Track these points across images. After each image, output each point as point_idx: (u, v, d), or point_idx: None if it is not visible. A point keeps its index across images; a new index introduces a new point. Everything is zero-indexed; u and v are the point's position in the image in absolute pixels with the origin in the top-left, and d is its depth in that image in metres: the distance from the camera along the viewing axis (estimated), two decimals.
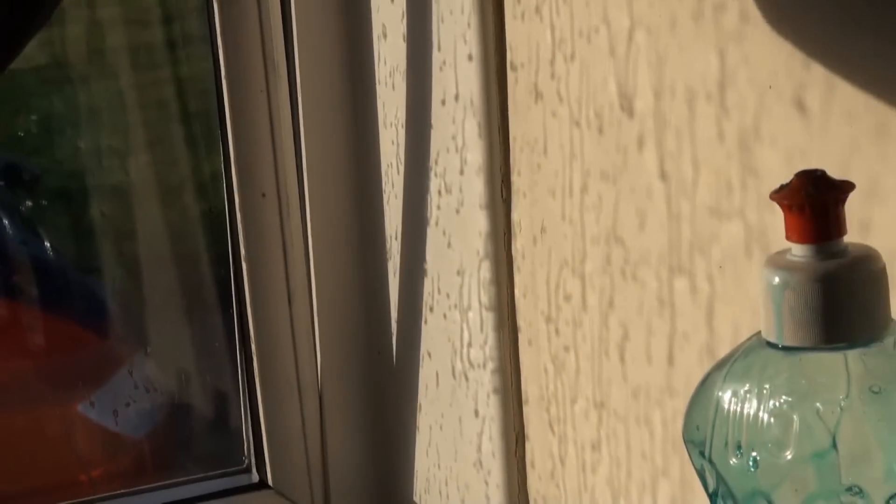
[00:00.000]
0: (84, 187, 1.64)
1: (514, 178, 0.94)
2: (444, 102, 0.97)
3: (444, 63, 0.97)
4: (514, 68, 0.93)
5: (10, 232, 1.65)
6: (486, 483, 0.97)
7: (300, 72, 1.07)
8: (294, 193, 1.08)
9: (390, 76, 1.04)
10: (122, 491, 1.22)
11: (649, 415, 0.86)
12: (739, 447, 0.64)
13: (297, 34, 1.08)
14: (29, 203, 1.68)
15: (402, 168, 1.03)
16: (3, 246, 1.65)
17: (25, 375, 1.66)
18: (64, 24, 1.58)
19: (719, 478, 0.65)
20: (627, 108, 0.84)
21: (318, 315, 1.09)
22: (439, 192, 0.98)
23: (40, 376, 1.67)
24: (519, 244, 0.94)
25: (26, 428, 1.66)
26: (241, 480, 1.12)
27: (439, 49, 0.98)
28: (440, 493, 1.02)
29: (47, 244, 1.65)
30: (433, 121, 0.98)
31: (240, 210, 1.09)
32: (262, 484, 1.10)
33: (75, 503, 1.24)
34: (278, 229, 1.08)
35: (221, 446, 1.19)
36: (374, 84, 1.05)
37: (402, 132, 1.02)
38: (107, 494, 1.23)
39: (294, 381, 1.09)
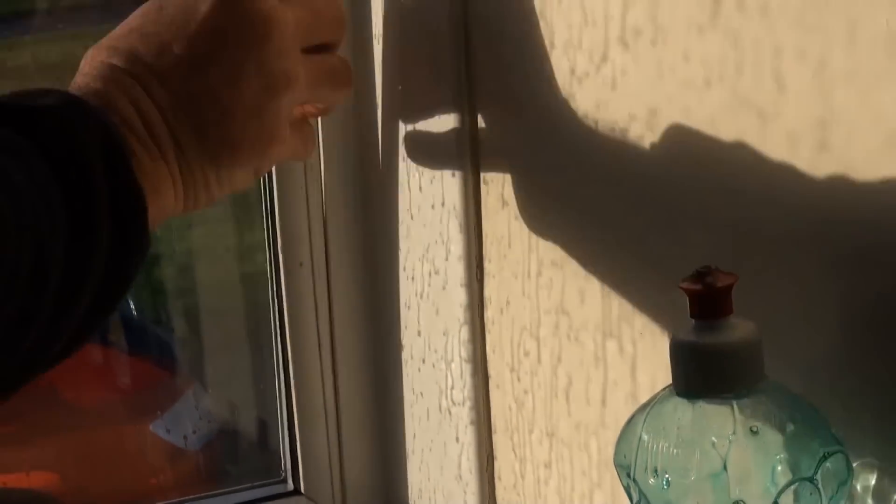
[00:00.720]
0: (157, 255, 1.64)
1: (486, 264, 0.94)
2: (433, 207, 0.97)
3: (434, 177, 0.97)
4: (485, 183, 0.93)
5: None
6: (465, 493, 0.98)
7: (325, 180, 1.06)
8: (322, 266, 1.06)
9: (407, 213, 1.03)
10: (184, 498, 1.19)
11: (588, 442, 0.86)
12: (656, 471, 0.66)
13: (324, 156, 1.07)
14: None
15: (405, 257, 1.03)
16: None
17: (113, 402, 1.66)
18: None
19: (641, 493, 0.67)
20: None
21: (340, 362, 1.08)
22: (430, 274, 0.98)
23: (123, 403, 1.67)
24: (490, 313, 0.94)
25: (112, 442, 1.65)
26: (279, 489, 1.10)
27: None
28: (430, 499, 1.02)
29: (131, 303, 1.65)
30: (425, 221, 0.98)
31: (283, 276, 1.07)
32: (297, 491, 1.08)
33: None
34: (311, 293, 1.07)
35: (264, 462, 1.18)
36: None
37: (403, 228, 1.01)
38: (170, 502, 1.20)
39: (322, 412, 1.07)
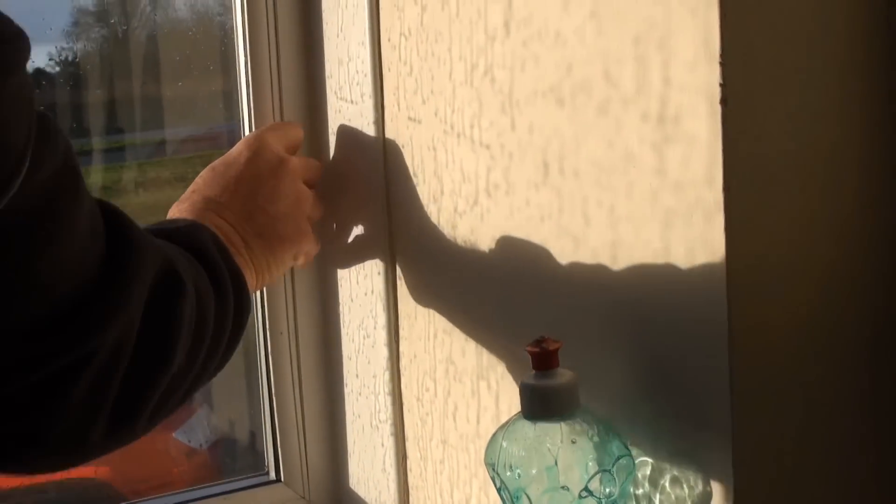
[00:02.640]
0: None
1: (401, 331, 0.93)
2: (366, 294, 0.96)
3: (367, 275, 0.96)
4: (400, 278, 0.92)
5: None
6: (387, 480, 0.96)
7: (295, 278, 1.04)
8: (294, 333, 1.04)
9: (349, 298, 1.02)
10: (196, 486, 1.12)
11: (468, 447, 0.86)
12: (511, 466, 0.66)
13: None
14: None
15: (347, 326, 1.01)
16: None
17: None
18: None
19: (501, 482, 0.67)
20: None
21: (306, 393, 1.05)
22: (364, 337, 0.97)
23: None
24: (403, 363, 0.93)
25: (148, 444, 1.61)
26: (264, 479, 1.08)
27: (363, 267, 0.97)
28: (364, 485, 1.00)
29: None
30: (361, 303, 0.96)
31: (269, 340, 1.04)
32: (277, 480, 1.06)
33: (169, 494, 1.12)
34: (287, 350, 1.04)
35: (254, 460, 1.15)
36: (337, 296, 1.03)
37: (346, 308, 1.00)
38: (185, 489, 1.12)
39: (294, 426, 1.05)
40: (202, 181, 0.85)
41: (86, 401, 0.61)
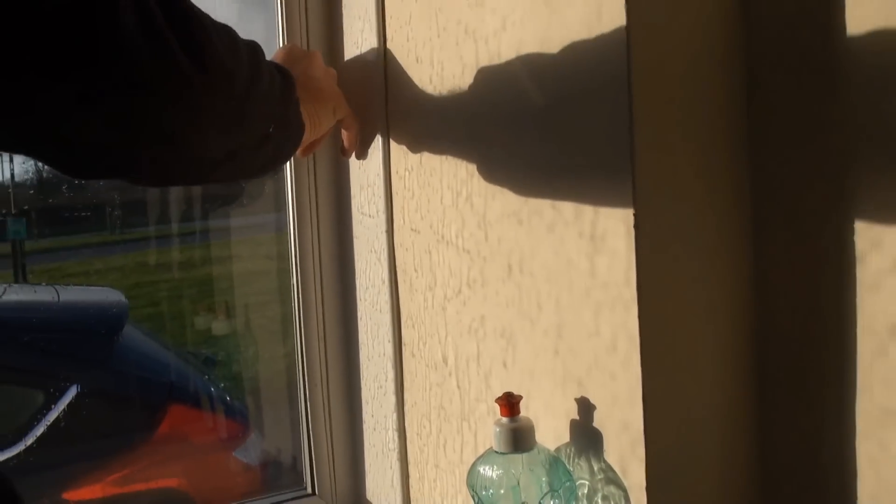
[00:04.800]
0: (239, 360, 1.63)
1: (405, 384, 0.92)
2: (379, 355, 0.94)
3: (378, 340, 0.95)
4: (405, 345, 0.91)
5: (214, 391, 1.64)
6: (394, 492, 0.95)
7: (328, 346, 1.06)
8: (326, 387, 1.03)
9: (366, 358, 1.04)
10: (250, 498, 1.08)
11: (454, 470, 0.85)
12: (486, 487, 0.66)
13: (328, 347, 1.08)
14: (221, 383, 1.66)
15: (365, 379, 1.00)
16: (211, 396, 1.64)
17: (216, 441, 1.63)
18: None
19: (479, 498, 0.67)
20: (444, 360, 0.84)
21: (335, 429, 1.04)
22: (377, 387, 0.96)
23: (221, 442, 1.64)
24: (406, 407, 0.92)
25: (215, 461, 1.62)
26: (302, 492, 1.06)
27: (377, 334, 0.96)
28: (377, 497, 0.98)
29: (227, 396, 1.64)
30: (376, 363, 0.95)
31: (308, 391, 1.03)
32: (313, 493, 1.04)
33: None
34: (321, 399, 1.04)
35: (294, 477, 1.12)
36: (357, 345, 1.02)
37: (364, 365, 0.99)
38: (243, 500, 1.08)
39: (326, 453, 1.04)
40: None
41: (139, 23, 0.51)
